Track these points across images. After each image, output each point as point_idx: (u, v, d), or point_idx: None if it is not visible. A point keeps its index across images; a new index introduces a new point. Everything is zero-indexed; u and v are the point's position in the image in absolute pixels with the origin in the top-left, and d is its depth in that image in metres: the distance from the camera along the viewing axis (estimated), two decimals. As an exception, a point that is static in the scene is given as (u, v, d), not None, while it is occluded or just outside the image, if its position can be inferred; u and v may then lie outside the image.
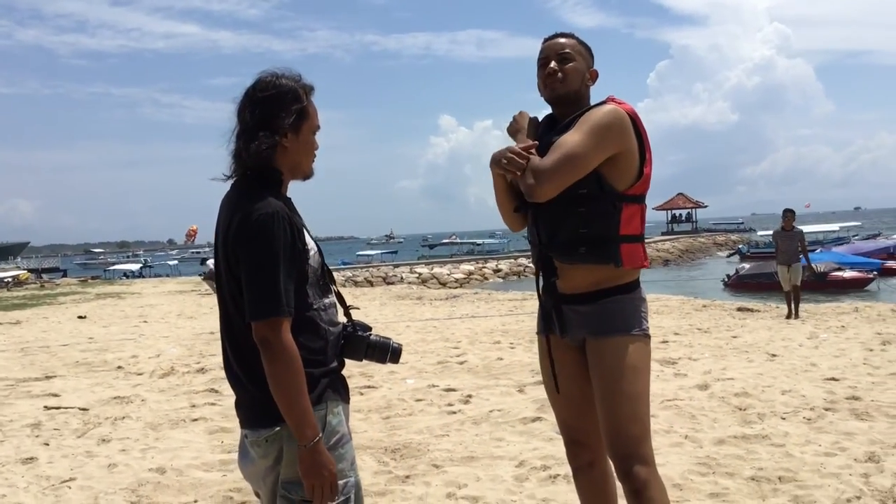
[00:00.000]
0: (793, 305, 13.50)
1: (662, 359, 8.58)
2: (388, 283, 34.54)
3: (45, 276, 48.97)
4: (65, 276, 53.72)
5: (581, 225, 2.85)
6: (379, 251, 65.46)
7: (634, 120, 2.88)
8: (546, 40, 3.01)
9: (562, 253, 2.94)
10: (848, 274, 25.14)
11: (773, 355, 8.56)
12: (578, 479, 3.20)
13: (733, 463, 4.85)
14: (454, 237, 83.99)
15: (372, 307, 18.50)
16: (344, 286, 33.28)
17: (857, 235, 48.42)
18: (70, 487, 5.00)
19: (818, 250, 33.64)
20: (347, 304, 2.52)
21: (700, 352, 9.01)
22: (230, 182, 2.44)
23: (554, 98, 2.97)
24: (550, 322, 3.07)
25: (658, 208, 69.80)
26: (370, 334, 2.51)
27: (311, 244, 2.38)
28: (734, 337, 10.21)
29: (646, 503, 2.77)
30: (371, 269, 40.06)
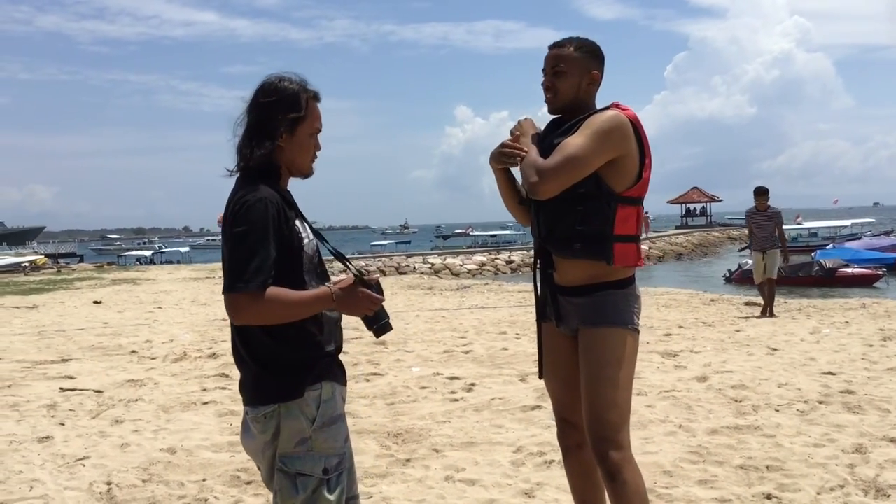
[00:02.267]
0: (767, 300, 12.61)
1: (664, 351, 8.73)
2: (401, 273, 34.74)
3: (61, 262, 49.44)
4: (81, 261, 54.25)
5: (578, 222, 3.02)
6: (393, 241, 65.75)
7: (636, 125, 3.03)
8: (550, 48, 3.16)
9: (558, 247, 3.13)
10: (856, 270, 25.15)
11: (774, 349, 8.68)
12: (567, 460, 3.37)
13: (724, 452, 5.00)
14: (470, 229, 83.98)
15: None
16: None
17: (870, 231, 48.27)
18: (84, 465, 5.21)
19: (829, 246, 33.59)
20: (360, 270, 2.58)
21: (702, 345, 9.15)
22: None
23: (550, 111, 3.17)
24: (546, 311, 3.26)
25: (672, 202, 69.67)
26: None
27: (305, 233, 2.55)
28: (737, 331, 10.33)
29: (620, 486, 2.94)
30: (384, 258, 40.28)
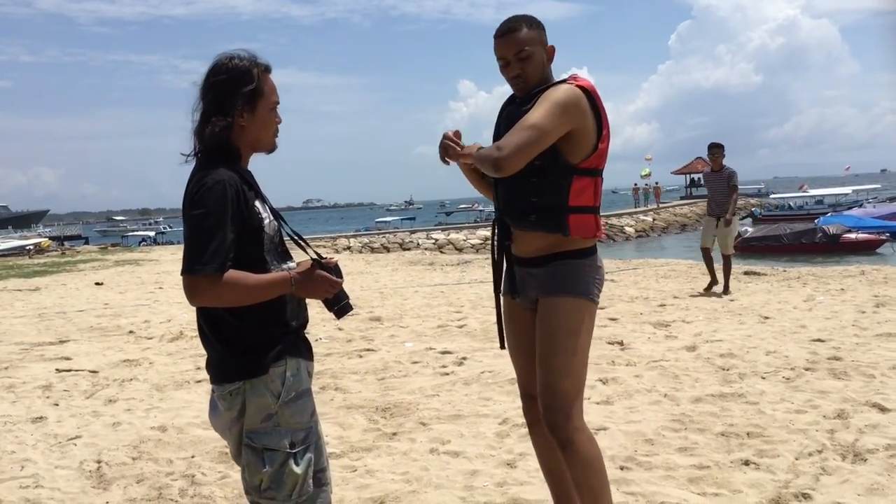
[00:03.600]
0: (720, 275, 11.26)
1: (657, 321, 8.77)
2: (405, 249, 34.77)
3: (66, 244, 49.64)
4: (86, 243, 54.42)
5: (533, 194, 3.03)
6: (398, 217, 65.87)
7: (593, 97, 3.02)
8: (497, 36, 3.10)
9: (515, 219, 3.15)
10: (860, 236, 25.14)
11: (766, 318, 8.70)
12: (533, 433, 3.40)
13: (706, 420, 5.05)
14: (476, 204, 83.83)
15: (384, 273, 18.73)
16: (360, 252, 33.57)
17: (875, 198, 48.11)
18: (76, 444, 5.28)
19: (829, 214, 33.51)
20: (318, 254, 2.63)
21: (695, 314, 9.17)
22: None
23: (522, 97, 3.14)
24: (503, 283, 3.30)
25: (676, 172, 69.40)
26: None
27: (265, 213, 2.57)
28: (731, 300, 10.34)
29: (572, 455, 2.98)
30: (388, 234, 40.32)
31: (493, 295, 3.44)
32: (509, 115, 3.11)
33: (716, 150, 11.24)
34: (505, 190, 3.13)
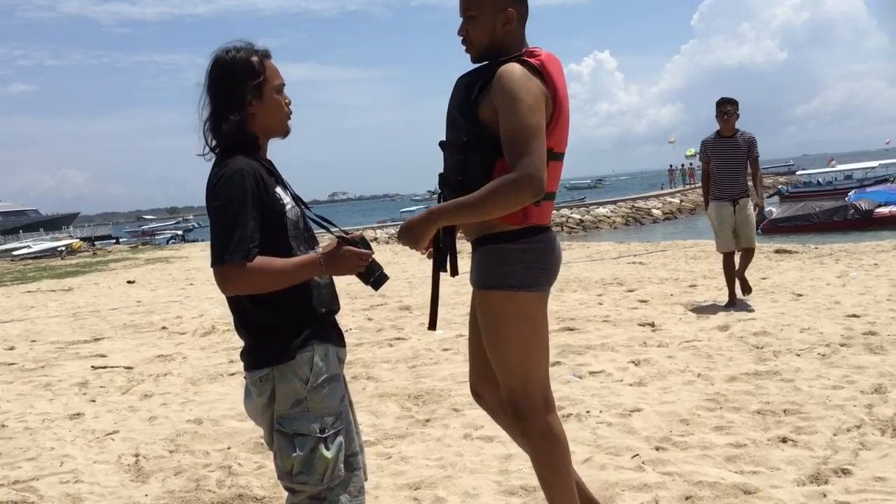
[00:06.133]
0: (738, 275, 8.50)
1: (688, 302, 8.71)
2: (431, 239, 34.70)
3: (97, 244, 50.29)
4: (117, 243, 55.11)
5: (460, 172, 2.79)
6: (422, 207, 66.03)
7: (542, 73, 2.73)
8: None
9: (446, 198, 2.88)
10: (894, 210, 24.79)
11: (799, 295, 8.61)
12: (496, 420, 3.28)
13: (741, 398, 5.01)
14: None
15: (411, 262, 18.75)
16: (387, 243, 33.63)
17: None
18: (113, 439, 5.34)
19: (852, 192, 32.74)
20: (344, 231, 2.62)
21: (727, 294, 9.07)
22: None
23: (472, 61, 2.91)
24: (444, 263, 2.99)
25: (703, 153, 68.71)
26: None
27: (286, 199, 2.58)
28: (763, 278, 10.22)
29: (528, 447, 2.95)
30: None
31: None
32: (467, 101, 2.79)
33: (728, 107, 8.21)
34: (444, 166, 2.91)
